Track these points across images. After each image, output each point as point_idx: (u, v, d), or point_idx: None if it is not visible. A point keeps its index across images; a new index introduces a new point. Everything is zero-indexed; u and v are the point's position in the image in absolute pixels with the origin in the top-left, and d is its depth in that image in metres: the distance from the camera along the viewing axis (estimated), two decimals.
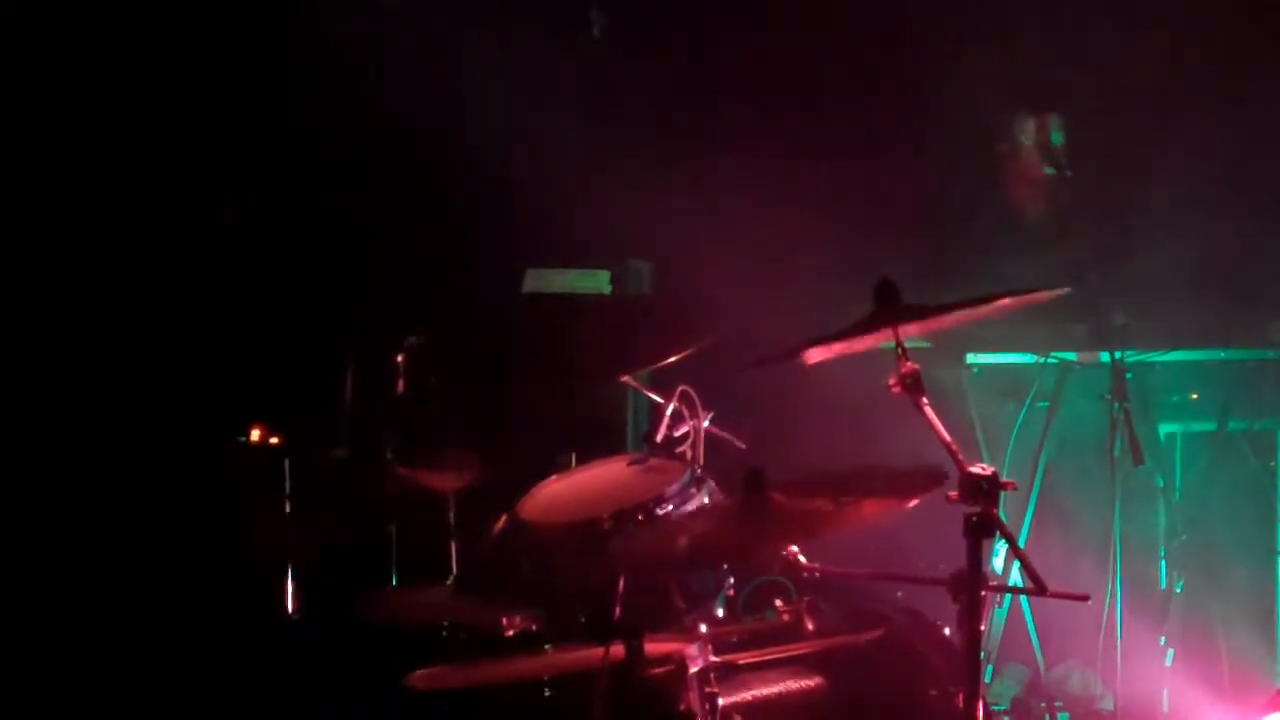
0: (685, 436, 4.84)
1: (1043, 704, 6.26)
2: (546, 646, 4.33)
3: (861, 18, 6.64)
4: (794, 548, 3.96)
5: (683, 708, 4.16)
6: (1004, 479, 3.52)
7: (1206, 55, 6.46)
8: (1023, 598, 6.19)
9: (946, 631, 4.70)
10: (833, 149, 6.51)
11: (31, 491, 5.75)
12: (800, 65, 6.60)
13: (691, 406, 4.83)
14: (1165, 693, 6.17)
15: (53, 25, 5.88)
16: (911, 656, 4.65)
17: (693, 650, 4.15)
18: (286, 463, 5.38)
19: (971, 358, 6.38)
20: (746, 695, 4.35)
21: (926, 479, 3.76)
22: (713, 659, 4.17)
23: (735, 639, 4.45)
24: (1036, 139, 6.66)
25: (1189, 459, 6.46)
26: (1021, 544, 5.89)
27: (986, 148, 6.76)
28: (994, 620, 6.22)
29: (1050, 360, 6.31)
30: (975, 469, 3.51)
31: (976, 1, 6.50)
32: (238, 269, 6.04)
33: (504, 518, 4.72)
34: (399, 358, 5.34)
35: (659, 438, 4.81)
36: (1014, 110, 6.72)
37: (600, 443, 5.59)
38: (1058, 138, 6.61)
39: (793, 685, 4.45)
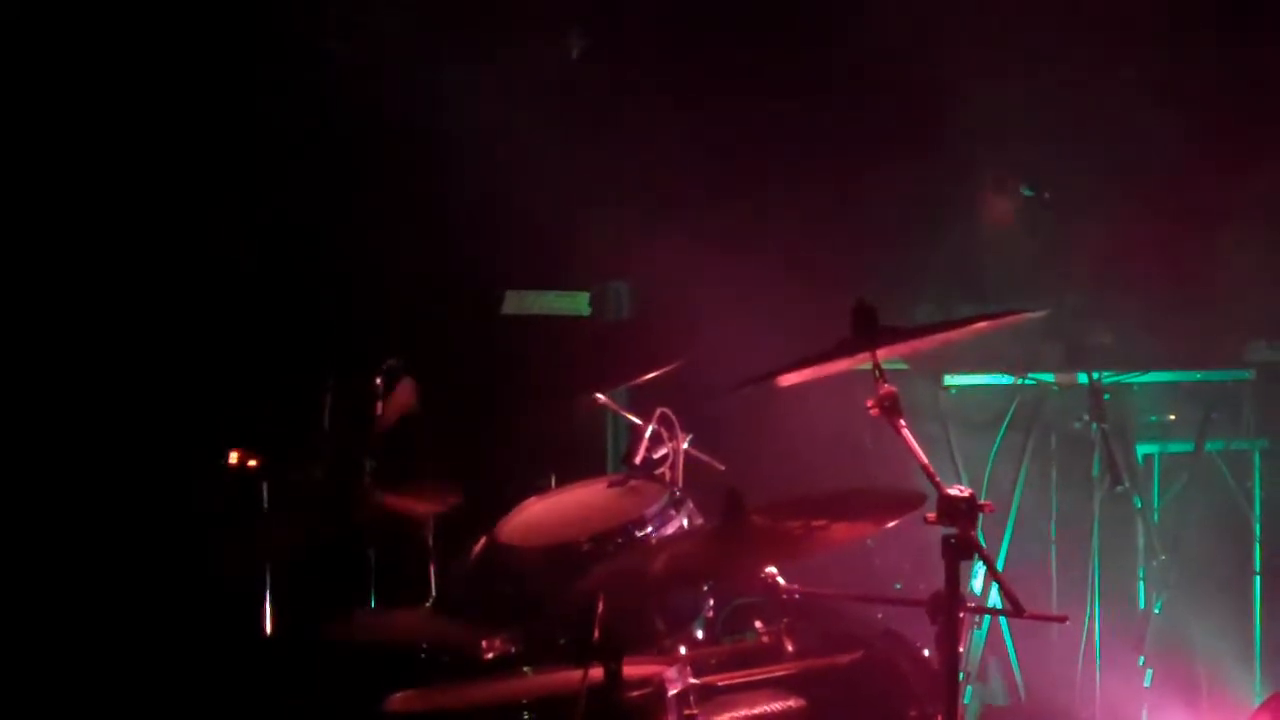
0: (664, 458, 4.85)
1: None
2: (525, 669, 4.33)
3: (846, 42, 6.66)
4: (773, 569, 3.96)
5: None
6: (982, 500, 3.53)
7: (1186, 79, 6.49)
8: (1002, 619, 6.19)
9: (925, 652, 4.71)
10: (813, 172, 6.53)
11: (10, 512, 5.73)
12: (783, 86, 6.62)
13: (670, 428, 4.84)
14: (1144, 713, 6.18)
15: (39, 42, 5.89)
16: (890, 677, 4.65)
17: (672, 672, 4.15)
18: (265, 485, 5.37)
19: (949, 379, 6.39)
20: (725, 717, 4.35)
21: (905, 501, 3.77)
22: (692, 681, 4.17)
23: (715, 661, 4.45)
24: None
25: (1167, 480, 6.48)
26: (1000, 565, 5.96)
27: (969, 172, 6.78)
28: (973, 641, 6.22)
29: (1028, 381, 6.33)
30: (953, 490, 3.52)
31: (962, 31, 6.51)
32: (217, 291, 6.03)
33: (483, 540, 4.72)
34: (378, 380, 5.33)
35: (638, 460, 4.82)
36: (996, 135, 6.74)
37: (579, 464, 5.59)
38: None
39: (772, 707, 4.44)
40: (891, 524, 3.78)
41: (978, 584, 6.05)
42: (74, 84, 5.87)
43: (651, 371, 5.16)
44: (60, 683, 5.65)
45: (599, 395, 5.22)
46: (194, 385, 5.94)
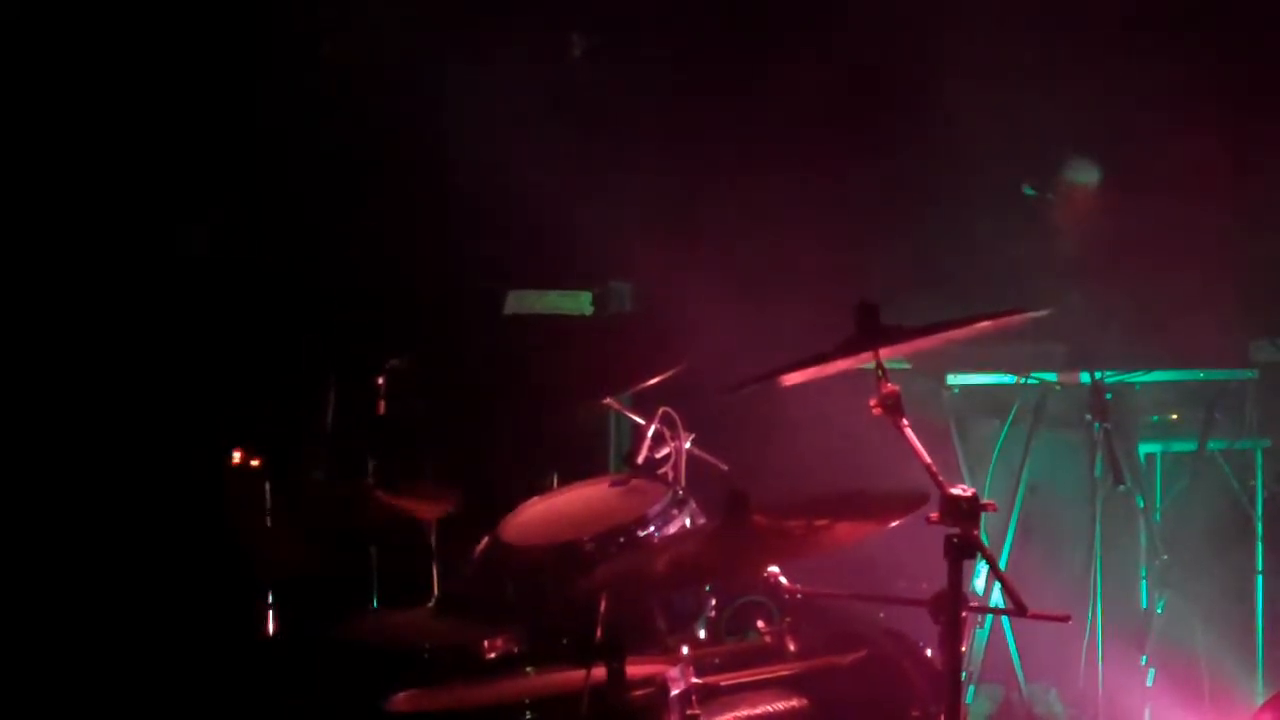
0: (667, 458, 4.85)
1: None
2: (528, 669, 4.33)
3: (845, 38, 6.65)
4: (775, 569, 3.96)
5: None
6: (984, 500, 3.52)
7: (1189, 77, 6.48)
8: (1004, 618, 6.19)
9: (928, 652, 4.70)
10: (814, 170, 6.52)
11: (12, 513, 5.73)
12: (782, 86, 6.61)
13: (673, 428, 4.84)
14: (1147, 712, 6.17)
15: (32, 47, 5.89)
16: (893, 678, 4.65)
17: (674, 672, 4.15)
18: (268, 485, 5.37)
19: (952, 378, 6.39)
20: (728, 717, 4.35)
21: (907, 500, 3.76)
22: (694, 681, 4.16)
23: (717, 660, 4.45)
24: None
25: (1169, 479, 6.47)
26: (1002, 565, 5.95)
27: (972, 171, 6.77)
28: (975, 641, 6.22)
29: (1030, 381, 6.32)
30: (956, 490, 3.52)
31: (965, 27, 6.50)
32: (219, 292, 6.03)
33: (486, 540, 4.72)
34: (380, 380, 5.33)
35: (641, 459, 4.82)
36: (1000, 134, 6.73)
37: (582, 464, 5.59)
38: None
39: (775, 707, 4.44)
40: (894, 524, 3.78)
41: (980, 583, 6.05)
42: (75, 86, 5.87)
43: (657, 376, 5.17)
44: (62, 682, 5.65)
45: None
46: (197, 385, 5.95)
